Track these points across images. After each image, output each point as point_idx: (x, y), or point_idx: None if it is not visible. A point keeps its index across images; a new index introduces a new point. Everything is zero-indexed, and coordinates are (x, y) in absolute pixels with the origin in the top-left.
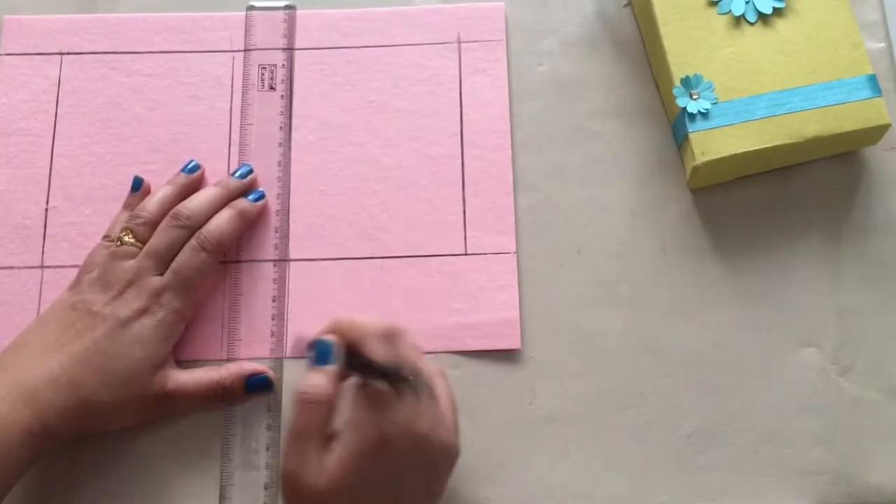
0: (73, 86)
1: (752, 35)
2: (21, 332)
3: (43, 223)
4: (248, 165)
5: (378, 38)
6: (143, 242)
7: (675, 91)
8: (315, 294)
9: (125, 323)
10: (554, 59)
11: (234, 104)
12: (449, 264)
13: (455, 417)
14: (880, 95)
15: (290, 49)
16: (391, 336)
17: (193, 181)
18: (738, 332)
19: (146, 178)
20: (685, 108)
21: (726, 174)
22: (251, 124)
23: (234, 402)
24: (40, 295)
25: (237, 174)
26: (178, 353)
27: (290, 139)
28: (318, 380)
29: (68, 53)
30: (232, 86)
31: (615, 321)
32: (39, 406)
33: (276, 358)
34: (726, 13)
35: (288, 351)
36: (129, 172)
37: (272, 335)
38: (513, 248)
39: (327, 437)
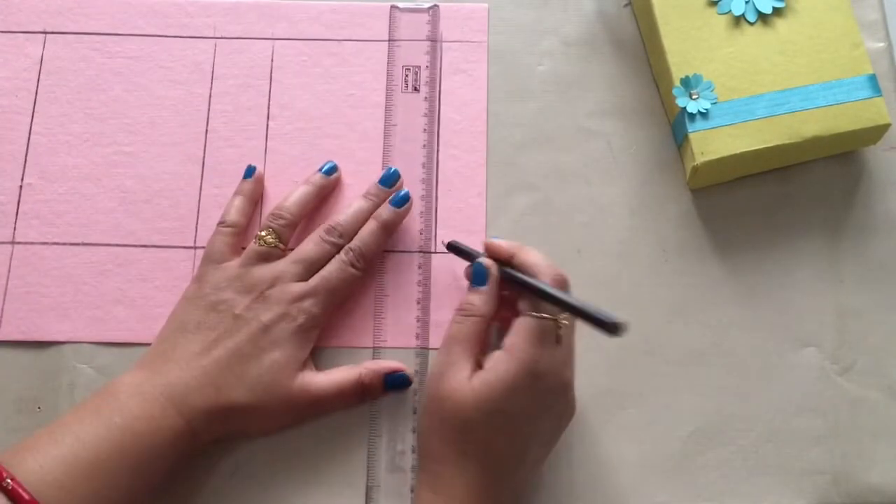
0: (55, 65)
1: (752, 35)
2: (161, 334)
3: (17, 200)
4: (395, 170)
5: (361, 31)
6: (283, 242)
7: (674, 91)
8: None
9: (267, 328)
10: (554, 59)
11: (213, 91)
12: (415, 260)
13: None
14: (880, 95)
15: (433, 53)
16: (560, 283)
17: (331, 182)
18: (738, 332)
19: (122, 160)
20: (685, 107)
21: (726, 174)
22: (395, 125)
23: (374, 399)
24: (9, 270)
25: (384, 182)
26: (327, 340)
27: (434, 140)
28: (474, 298)
29: (52, 33)
30: (212, 72)
31: None
32: (188, 410)
33: (421, 348)
34: (726, 13)
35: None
36: (104, 153)
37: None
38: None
39: (479, 356)
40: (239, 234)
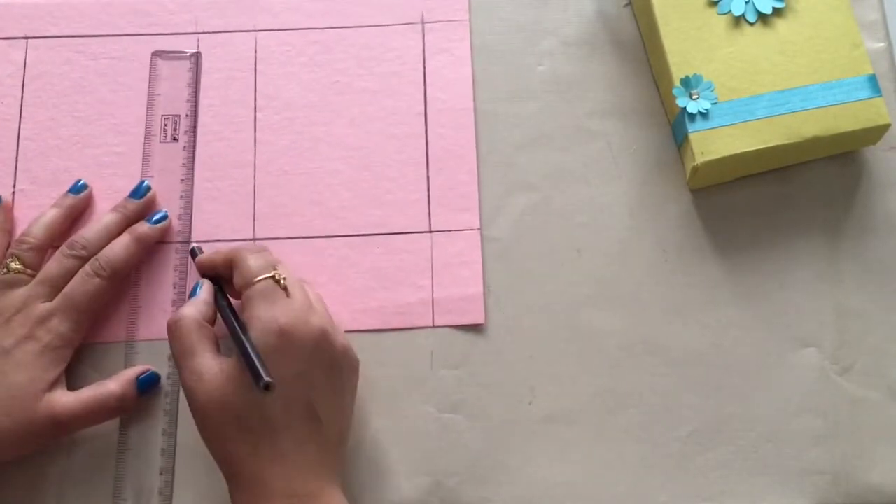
0: (39, 70)
1: (752, 35)
2: None
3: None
4: (146, 183)
5: (342, 19)
6: (31, 268)
7: (674, 91)
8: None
9: (8, 351)
10: (554, 59)
11: (199, 86)
12: (414, 242)
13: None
14: (880, 95)
15: (194, 100)
16: (261, 249)
17: (80, 202)
18: (738, 332)
19: (111, 160)
20: (685, 108)
21: (726, 174)
22: (152, 176)
23: (128, 410)
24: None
25: (134, 195)
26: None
27: (192, 191)
28: (182, 308)
29: (34, 38)
30: (198, 67)
31: (615, 321)
32: None
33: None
34: (726, 13)
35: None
36: (94, 155)
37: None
38: (477, 224)
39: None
40: None
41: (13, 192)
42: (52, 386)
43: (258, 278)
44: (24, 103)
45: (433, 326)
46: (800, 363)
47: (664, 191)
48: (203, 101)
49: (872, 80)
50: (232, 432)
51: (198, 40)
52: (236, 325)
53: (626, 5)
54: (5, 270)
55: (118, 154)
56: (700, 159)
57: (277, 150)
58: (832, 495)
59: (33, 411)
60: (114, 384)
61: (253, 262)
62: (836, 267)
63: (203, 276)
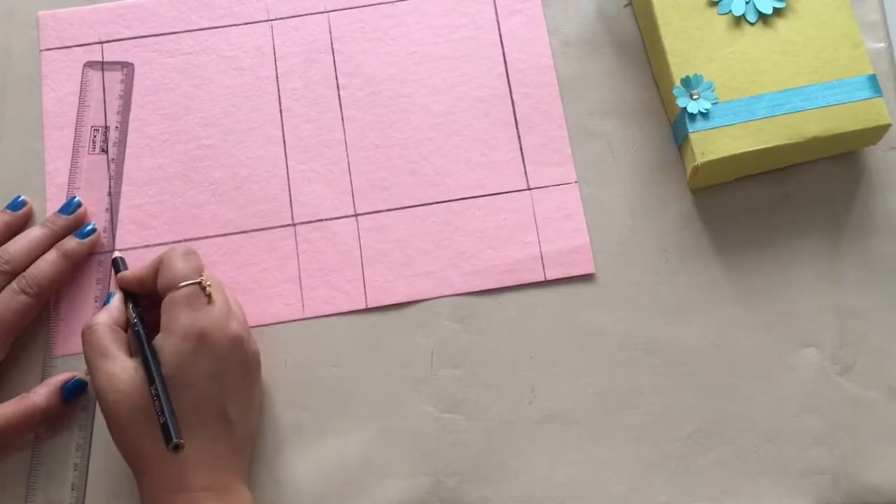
0: None
1: (753, 35)
2: None
3: (109, 209)
4: (77, 199)
5: None
6: None
7: (675, 91)
8: (388, 245)
9: None
10: (554, 59)
11: (279, 71)
12: (514, 200)
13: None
14: (880, 95)
15: (125, 111)
16: (189, 253)
17: (17, 219)
18: (738, 332)
19: (204, 153)
20: (685, 108)
21: (726, 174)
22: (79, 188)
23: (50, 419)
24: (109, 276)
25: (63, 211)
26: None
27: (118, 203)
28: (98, 315)
29: (108, 41)
30: (274, 54)
31: (615, 321)
32: None
33: None
34: (726, 13)
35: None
36: (184, 150)
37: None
38: (573, 178)
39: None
40: None
41: (108, 195)
42: None
43: (182, 284)
44: (107, 107)
45: (545, 281)
46: (800, 363)
47: (665, 191)
48: (284, 87)
49: (873, 81)
50: (143, 429)
51: (271, 27)
52: (152, 364)
53: (626, 5)
54: None
55: (209, 146)
56: (700, 159)
57: (366, 126)
58: (832, 495)
59: None
60: (38, 396)
61: (179, 265)
62: (837, 267)
63: (122, 289)
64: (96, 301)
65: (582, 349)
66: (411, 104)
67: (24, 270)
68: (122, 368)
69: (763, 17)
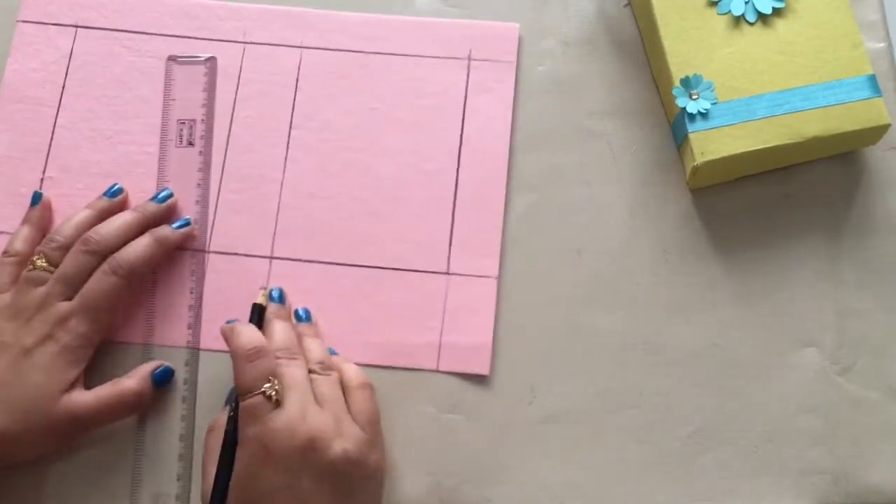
0: (84, 60)
1: (752, 35)
2: None
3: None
4: (168, 189)
5: (389, 45)
6: (57, 267)
7: (674, 91)
8: (294, 292)
9: (28, 351)
10: (554, 59)
11: (237, 95)
12: (429, 281)
13: (372, 429)
14: (880, 95)
15: (210, 105)
16: (253, 355)
17: (114, 206)
18: (738, 331)
19: (143, 159)
20: (685, 108)
21: (726, 174)
22: (168, 181)
23: (147, 406)
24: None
25: (156, 198)
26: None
27: (207, 196)
28: (221, 418)
29: (83, 27)
30: (239, 77)
31: (615, 321)
32: None
33: (192, 348)
34: (726, 13)
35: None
36: (126, 151)
37: (189, 327)
38: (495, 272)
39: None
40: (23, 262)
41: (42, 178)
42: (72, 386)
43: (250, 394)
44: (64, 91)
45: (436, 371)
46: (800, 363)
47: (664, 191)
48: (239, 112)
49: (872, 81)
50: None
51: (243, 49)
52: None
53: (625, 5)
54: (31, 267)
55: (150, 154)
56: (700, 159)
57: (307, 171)
58: (832, 495)
59: (52, 412)
60: (131, 380)
61: (247, 375)
62: (837, 267)
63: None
64: (191, 293)
65: (582, 349)
66: (358, 160)
67: (113, 252)
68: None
69: (762, 17)
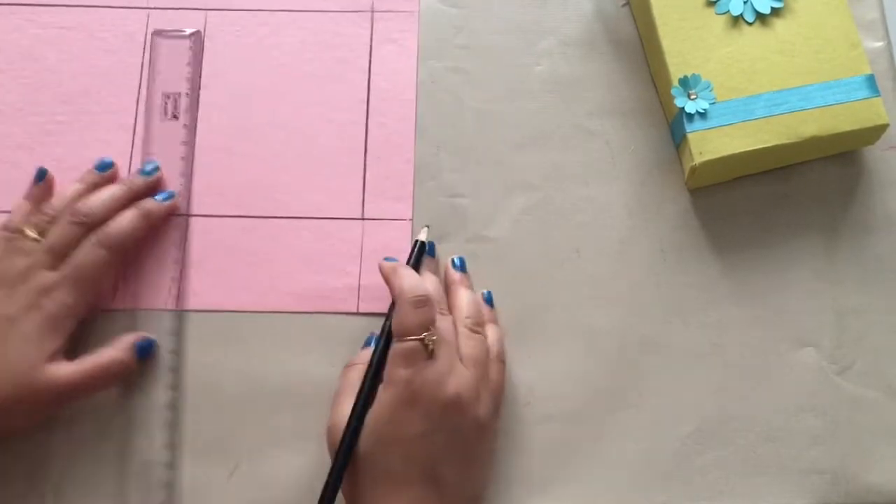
0: None
1: (751, 35)
2: None
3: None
4: (154, 162)
5: (292, 2)
6: (44, 236)
7: (673, 91)
8: (214, 249)
9: (12, 319)
10: (552, 59)
11: (144, 60)
12: (345, 229)
13: (496, 401)
14: (878, 95)
15: (194, 78)
16: (421, 302)
17: (105, 178)
18: (737, 331)
19: (55, 129)
20: (683, 107)
21: (724, 174)
22: (151, 153)
23: (128, 375)
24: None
25: (142, 171)
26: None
27: (190, 165)
28: (364, 354)
29: None
30: (144, 42)
31: (614, 321)
32: None
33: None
34: (724, 13)
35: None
36: (36, 122)
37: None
38: (409, 215)
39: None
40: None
41: None
42: (55, 356)
43: (408, 338)
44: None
45: (357, 313)
46: (799, 363)
47: (663, 191)
48: (146, 77)
49: (871, 80)
50: (361, 477)
51: (148, 15)
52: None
53: (624, 5)
54: (20, 236)
55: (60, 123)
56: (698, 159)
57: (220, 129)
58: (832, 495)
59: (36, 380)
60: (114, 350)
61: (410, 317)
62: (835, 266)
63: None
64: (175, 263)
65: (581, 349)
66: (269, 115)
67: (100, 224)
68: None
69: (761, 17)
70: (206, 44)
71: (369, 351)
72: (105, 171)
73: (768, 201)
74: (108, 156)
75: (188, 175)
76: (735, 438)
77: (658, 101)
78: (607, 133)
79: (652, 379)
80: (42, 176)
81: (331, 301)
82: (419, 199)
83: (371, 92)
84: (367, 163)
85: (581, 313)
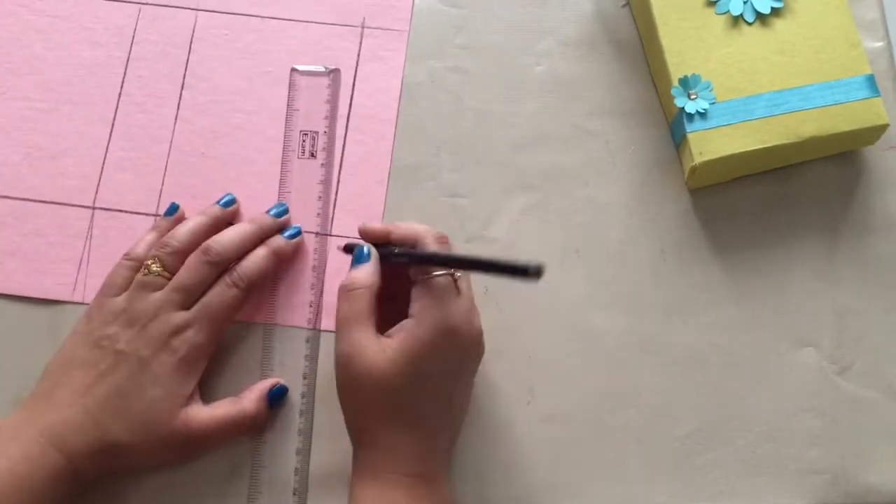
0: None
1: (750, 35)
2: (48, 369)
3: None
4: (284, 205)
5: (285, 11)
6: (171, 272)
7: (673, 91)
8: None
9: (147, 362)
10: (552, 59)
11: (131, 55)
12: (309, 242)
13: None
14: (878, 95)
15: (332, 116)
16: (442, 240)
17: (227, 214)
18: (737, 331)
19: (34, 115)
20: (683, 108)
21: (724, 174)
22: (289, 192)
23: (261, 427)
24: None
25: (272, 212)
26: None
27: (329, 204)
28: (356, 273)
29: None
30: (133, 36)
31: (614, 321)
32: (69, 450)
33: (314, 330)
34: (724, 13)
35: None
36: (17, 107)
37: (310, 306)
38: None
39: (378, 327)
40: (139, 269)
41: None
42: (188, 400)
43: (438, 272)
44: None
45: (314, 328)
46: (798, 363)
47: (663, 191)
48: (132, 72)
49: (870, 81)
50: (378, 409)
51: (139, 10)
52: (461, 256)
53: (624, 5)
54: (146, 272)
55: (40, 110)
56: (698, 159)
57: (197, 131)
58: (831, 495)
59: (170, 427)
60: (249, 404)
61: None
62: (835, 266)
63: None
64: (312, 288)
65: (580, 349)
66: (247, 122)
67: (230, 262)
68: (371, 342)
69: (761, 17)
70: (194, 45)
71: (365, 271)
72: (228, 207)
73: (768, 201)
74: (83, 147)
75: (326, 217)
76: (735, 438)
77: (658, 101)
78: (607, 133)
79: (651, 379)
80: (173, 211)
81: (288, 315)
82: (418, 199)
83: (352, 108)
84: (341, 178)
85: (580, 313)
